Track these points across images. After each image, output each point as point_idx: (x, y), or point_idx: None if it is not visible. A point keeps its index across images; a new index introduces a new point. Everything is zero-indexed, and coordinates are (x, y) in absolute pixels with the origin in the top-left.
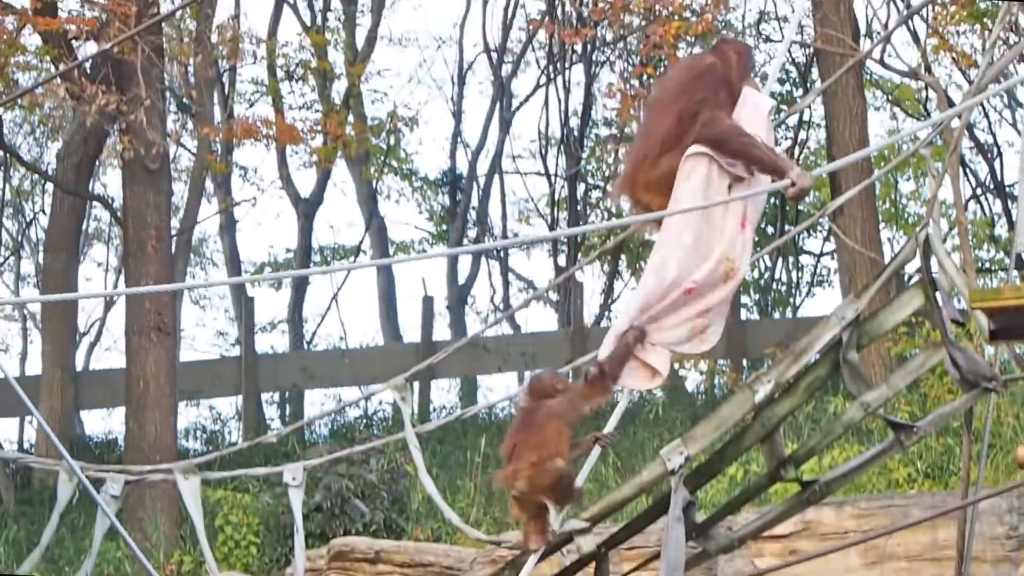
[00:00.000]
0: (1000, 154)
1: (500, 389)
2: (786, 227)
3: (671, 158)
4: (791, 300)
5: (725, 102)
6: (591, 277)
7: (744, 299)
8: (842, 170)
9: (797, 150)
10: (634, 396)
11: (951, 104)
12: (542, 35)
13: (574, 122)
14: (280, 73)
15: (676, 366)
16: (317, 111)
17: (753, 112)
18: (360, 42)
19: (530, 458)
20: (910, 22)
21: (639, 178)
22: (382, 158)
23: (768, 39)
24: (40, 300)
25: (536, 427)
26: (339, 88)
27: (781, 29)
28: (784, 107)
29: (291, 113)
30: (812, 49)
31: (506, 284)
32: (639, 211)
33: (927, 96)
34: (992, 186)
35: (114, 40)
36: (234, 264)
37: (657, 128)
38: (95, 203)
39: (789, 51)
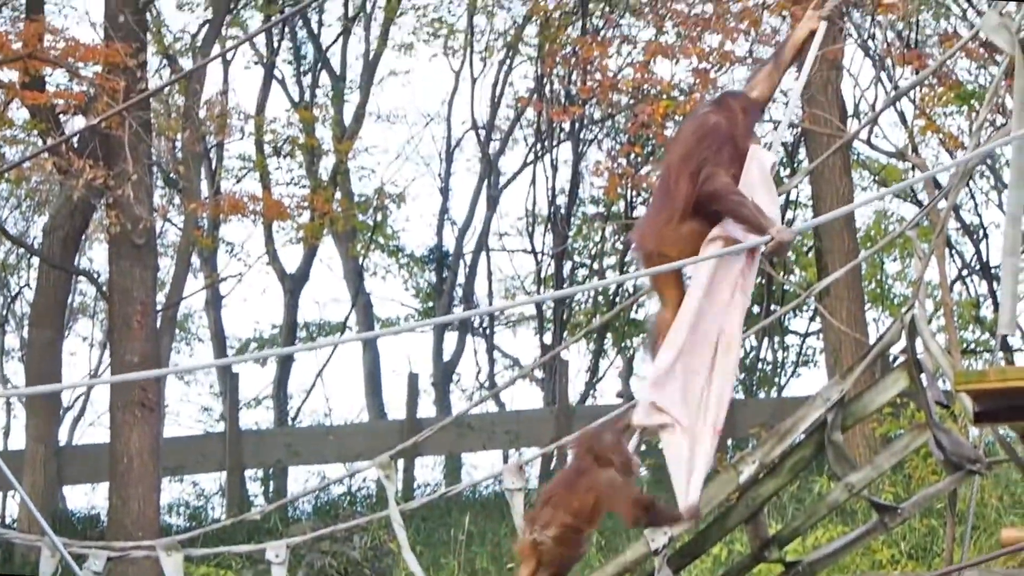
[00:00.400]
0: (986, 235)
1: (484, 467)
2: (772, 307)
3: (693, 223)
4: (776, 380)
5: (728, 159)
6: (577, 355)
7: None
8: (828, 251)
9: None
10: None
11: (938, 186)
12: (530, 113)
13: (561, 200)
14: (268, 149)
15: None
16: (304, 187)
17: (759, 171)
18: (348, 118)
19: (564, 518)
20: (897, 103)
21: (666, 235)
22: (369, 234)
23: None
24: (24, 392)
25: (579, 493)
26: (327, 164)
27: (769, 107)
28: None
29: (278, 189)
30: (799, 129)
31: (491, 362)
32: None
33: (913, 176)
34: (978, 267)
35: (102, 115)
36: (219, 340)
37: (677, 191)
38: (80, 277)
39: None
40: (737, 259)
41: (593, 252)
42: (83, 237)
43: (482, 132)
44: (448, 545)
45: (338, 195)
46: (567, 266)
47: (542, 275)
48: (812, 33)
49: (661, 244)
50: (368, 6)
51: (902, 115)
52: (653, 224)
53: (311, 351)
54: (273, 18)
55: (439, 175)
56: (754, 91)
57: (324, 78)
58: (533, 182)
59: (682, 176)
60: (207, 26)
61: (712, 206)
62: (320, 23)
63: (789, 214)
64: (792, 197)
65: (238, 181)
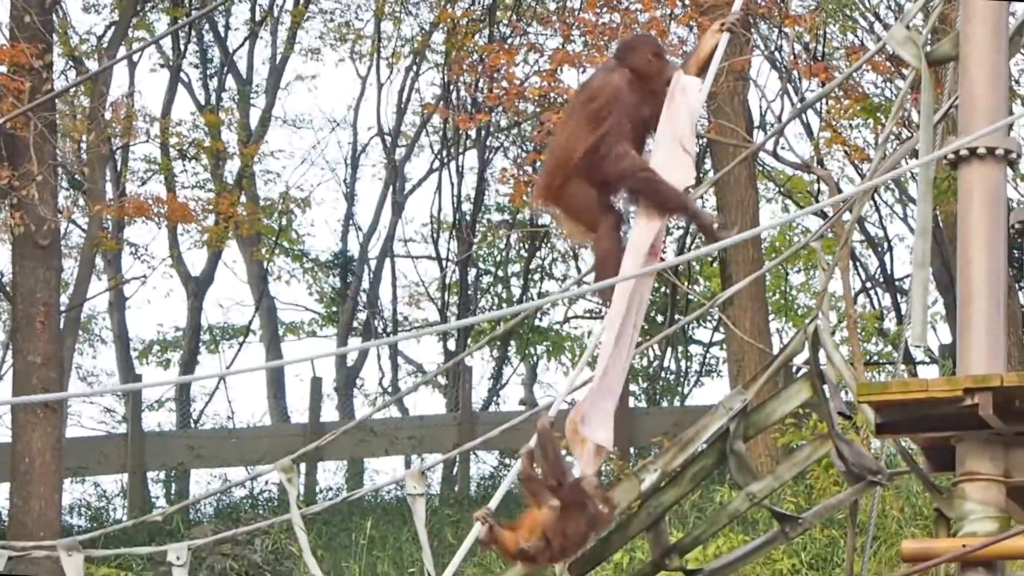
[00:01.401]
0: (890, 248)
1: (387, 472)
2: (676, 316)
3: (579, 186)
4: (679, 389)
5: (632, 127)
6: (480, 362)
7: (632, 387)
8: (733, 261)
9: (688, 239)
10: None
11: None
12: (436, 119)
13: (466, 207)
14: (173, 152)
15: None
16: (209, 190)
17: (682, 98)
18: (254, 122)
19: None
20: (803, 115)
21: (553, 187)
22: (273, 239)
23: None
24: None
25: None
26: (232, 168)
27: None
28: None
29: (183, 192)
30: (705, 139)
31: (395, 367)
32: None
33: (819, 189)
34: (882, 280)
35: (7, 115)
36: (123, 342)
37: (570, 147)
38: None
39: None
40: (649, 240)
41: (498, 259)
42: None
43: (388, 138)
44: (350, 550)
45: (243, 199)
46: (472, 273)
47: (447, 282)
48: (715, 46)
49: (553, 201)
50: (275, 10)
51: (808, 127)
52: (545, 182)
53: (215, 355)
54: (179, 21)
55: (344, 180)
56: None
57: (230, 82)
58: (438, 189)
59: (579, 140)
60: (113, 28)
61: (620, 185)
62: (227, 26)
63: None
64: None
65: (143, 183)
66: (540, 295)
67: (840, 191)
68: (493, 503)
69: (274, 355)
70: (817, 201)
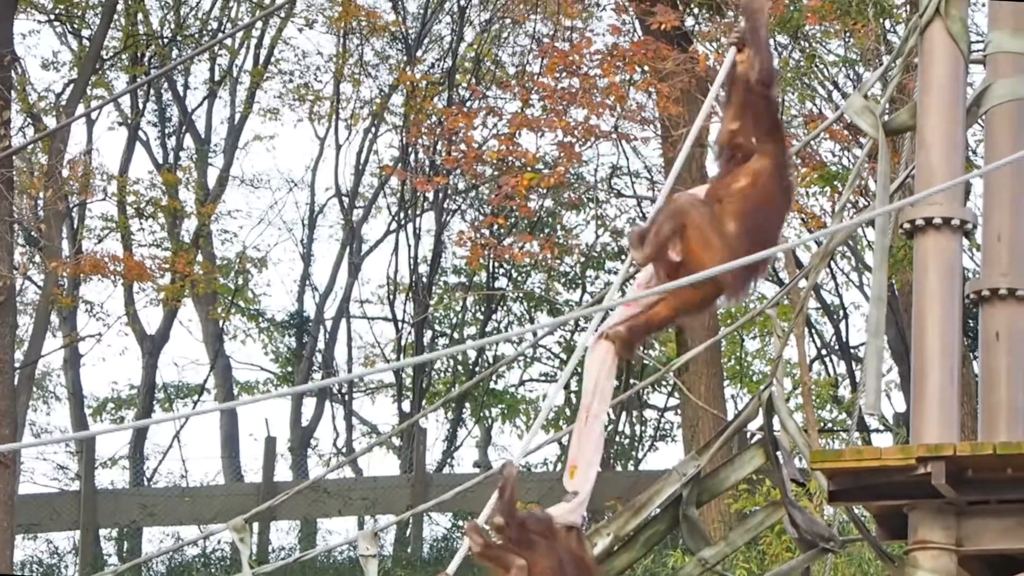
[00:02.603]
0: (846, 316)
1: (340, 532)
2: (631, 381)
3: None
4: (634, 453)
5: None
6: (435, 424)
7: None
8: (688, 327)
9: None
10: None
11: (799, 265)
12: (394, 181)
13: (423, 269)
14: (130, 210)
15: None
16: (166, 249)
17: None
18: (212, 182)
19: None
20: None
21: None
22: (230, 298)
23: (620, 194)
24: None
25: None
26: (189, 227)
27: (633, 184)
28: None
29: (140, 250)
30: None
31: (349, 428)
32: None
33: (775, 256)
34: (837, 347)
35: None
36: (77, 399)
37: None
38: None
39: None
40: None
41: (454, 322)
42: None
43: (346, 199)
44: None
45: (200, 258)
46: (427, 335)
47: (402, 343)
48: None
49: None
50: (234, 70)
51: None
52: None
53: (168, 412)
54: (138, 79)
55: (301, 241)
56: None
57: (188, 141)
58: (395, 250)
59: None
60: (72, 85)
61: None
62: (186, 86)
63: None
64: None
65: (100, 241)
66: (496, 359)
67: (796, 259)
68: (454, 562)
69: (229, 414)
70: (774, 269)
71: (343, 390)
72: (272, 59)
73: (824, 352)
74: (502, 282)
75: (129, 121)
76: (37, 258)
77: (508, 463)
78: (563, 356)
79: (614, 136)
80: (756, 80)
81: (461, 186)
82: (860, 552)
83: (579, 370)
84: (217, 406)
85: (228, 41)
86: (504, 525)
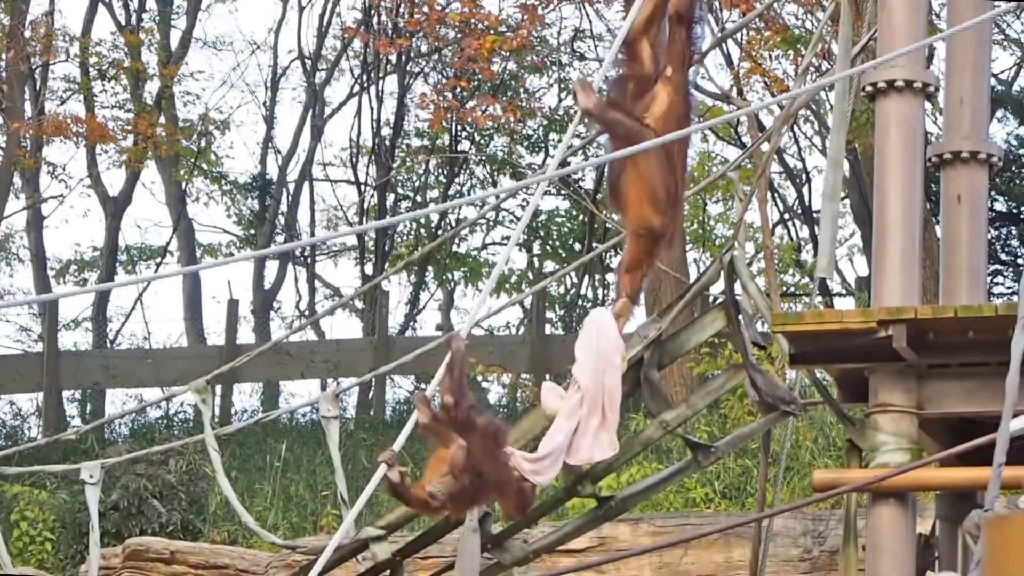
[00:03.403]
0: (809, 180)
1: (303, 395)
2: (593, 244)
3: None
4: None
5: None
6: (397, 287)
7: (549, 314)
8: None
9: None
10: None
11: (762, 128)
12: (357, 44)
13: (386, 132)
14: (93, 72)
15: (480, 379)
16: (129, 111)
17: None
18: (174, 44)
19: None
20: (724, 45)
21: None
22: (192, 160)
23: (583, 57)
24: None
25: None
26: (151, 89)
27: (596, 47)
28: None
29: (102, 112)
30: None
31: (312, 291)
32: None
33: (738, 120)
34: (800, 211)
35: None
36: (40, 261)
37: None
38: None
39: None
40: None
41: (417, 185)
42: None
43: (308, 61)
44: (264, 472)
45: (162, 120)
46: (390, 198)
47: (365, 206)
48: None
49: None
50: None
51: (728, 58)
52: None
53: (130, 275)
54: None
55: (264, 103)
56: None
57: (151, 2)
58: (358, 113)
59: None
60: None
61: None
62: None
63: None
64: None
65: (62, 103)
66: (458, 221)
67: (759, 122)
68: (404, 432)
69: (191, 277)
70: (737, 132)
71: (306, 253)
72: None
73: (787, 216)
74: (465, 145)
75: None
76: (0, 120)
77: (454, 335)
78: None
79: None
80: (675, 10)
81: (424, 48)
82: (821, 415)
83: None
84: (180, 269)
85: None
86: (453, 405)
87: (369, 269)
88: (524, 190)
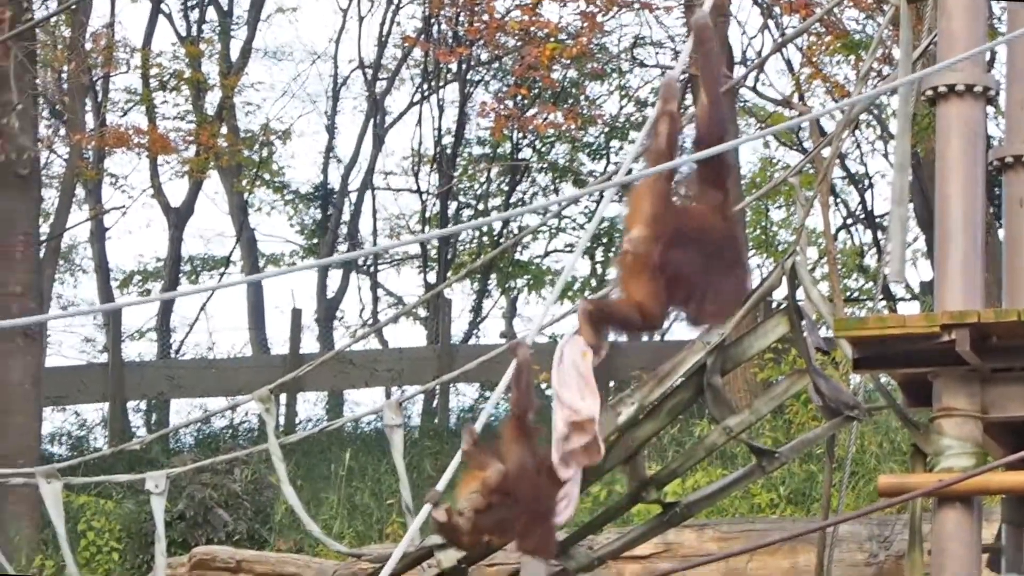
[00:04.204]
0: (871, 184)
1: (367, 404)
2: None
3: None
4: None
5: None
6: (460, 295)
7: None
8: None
9: None
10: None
11: (823, 134)
12: (417, 53)
13: (447, 140)
14: (154, 83)
15: (544, 387)
16: (190, 122)
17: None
18: (235, 54)
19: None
20: (784, 51)
21: None
22: (254, 170)
23: (643, 64)
24: None
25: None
26: (212, 99)
27: (656, 54)
28: None
29: (164, 123)
30: (687, 75)
31: (375, 299)
32: None
33: (799, 125)
34: (863, 216)
35: None
36: (103, 272)
37: None
38: None
39: (679, 78)
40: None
41: (478, 193)
42: None
43: (369, 71)
44: (328, 480)
45: (224, 130)
46: (452, 206)
47: (427, 215)
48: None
49: None
50: None
51: (789, 63)
52: None
53: (193, 285)
54: None
55: (325, 113)
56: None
57: (211, 13)
58: (419, 122)
59: None
60: None
61: None
62: None
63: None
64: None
65: (124, 114)
66: (520, 229)
67: (820, 127)
68: (454, 462)
69: (255, 286)
70: (798, 138)
71: (368, 262)
72: None
73: (850, 221)
74: (526, 153)
75: None
76: (62, 131)
77: (519, 343)
78: (588, 227)
79: (636, 5)
80: (704, 134)
81: (484, 57)
82: (886, 420)
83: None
84: (244, 279)
85: None
86: (518, 416)
87: (432, 277)
88: (587, 197)
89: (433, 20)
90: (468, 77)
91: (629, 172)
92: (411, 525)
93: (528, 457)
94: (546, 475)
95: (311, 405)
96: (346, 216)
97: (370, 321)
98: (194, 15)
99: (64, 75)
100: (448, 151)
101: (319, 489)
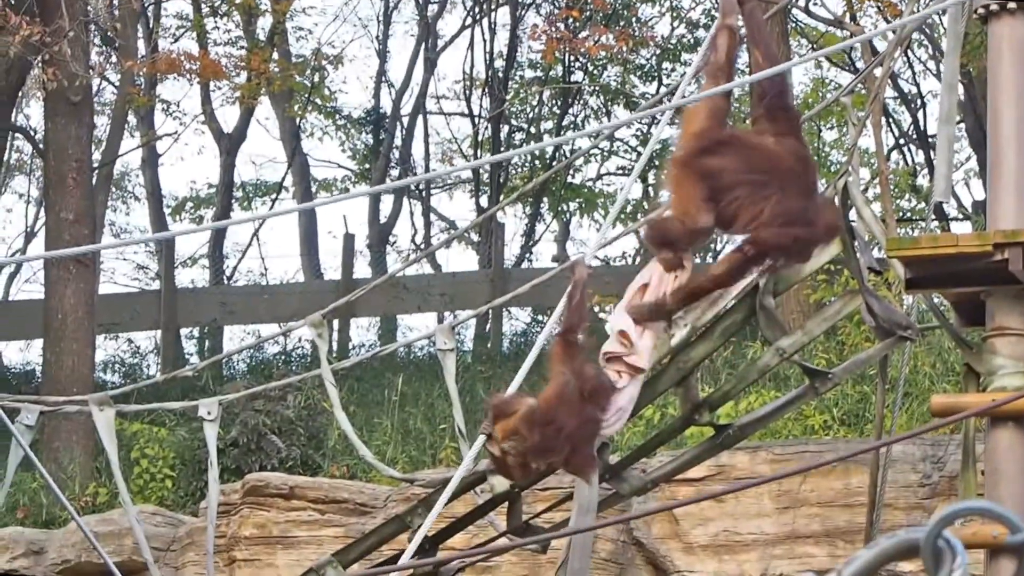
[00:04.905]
0: (924, 104)
1: (420, 329)
2: None
3: None
4: (711, 245)
5: None
6: (513, 219)
7: None
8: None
9: None
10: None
11: (875, 53)
12: None
13: (499, 64)
14: (205, 8)
15: (597, 309)
16: (242, 47)
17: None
18: None
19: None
20: None
21: None
22: (306, 96)
23: None
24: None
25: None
26: (264, 25)
27: None
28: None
29: (215, 49)
30: None
31: (427, 224)
32: None
33: (852, 46)
34: (915, 136)
35: None
36: (156, 198)
37: None
38: (17, 135)
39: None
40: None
41: (530, 116)
42: (19, 94)
43: None
44: (382, 406)
45: (275, 56)
46: (504, 130)
47: (479, 139)
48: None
49: None
50: None
51: None
52: None
53: (246, 211)
54: None
55: (377, 37)
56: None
57: None
58: (471, 46)
59: None
60: None
61: None
62: None
63: None
64: None
65: (175, 40)
66: (572, 152)
67: (872, 47)
68: (527, 362)
69: (307, 212)
70: (850, 58)
71: (421, 187)
72: None
73: (902, 141)
74: (578, 76)
75: None
76: (113, 58)
77: (578, 260)
78: (640, 149)
79: None
80: (767, 104)
81: None
82: (938, 340)
83: (653, 162)
84: (296, 207)
85: None
86: (570, 329)
87: (484, 202)
88: (638, 121)
89: None
90: (519, 0)
91: (685, 95)
92: (466, 452)
93: (571, 378)
94: (590, 394)
95: (364, 331)
96: (398, 141)
97: (423, 246)
98: None
99: (115, 1)
100: (500, 75)
101: (372, 415)
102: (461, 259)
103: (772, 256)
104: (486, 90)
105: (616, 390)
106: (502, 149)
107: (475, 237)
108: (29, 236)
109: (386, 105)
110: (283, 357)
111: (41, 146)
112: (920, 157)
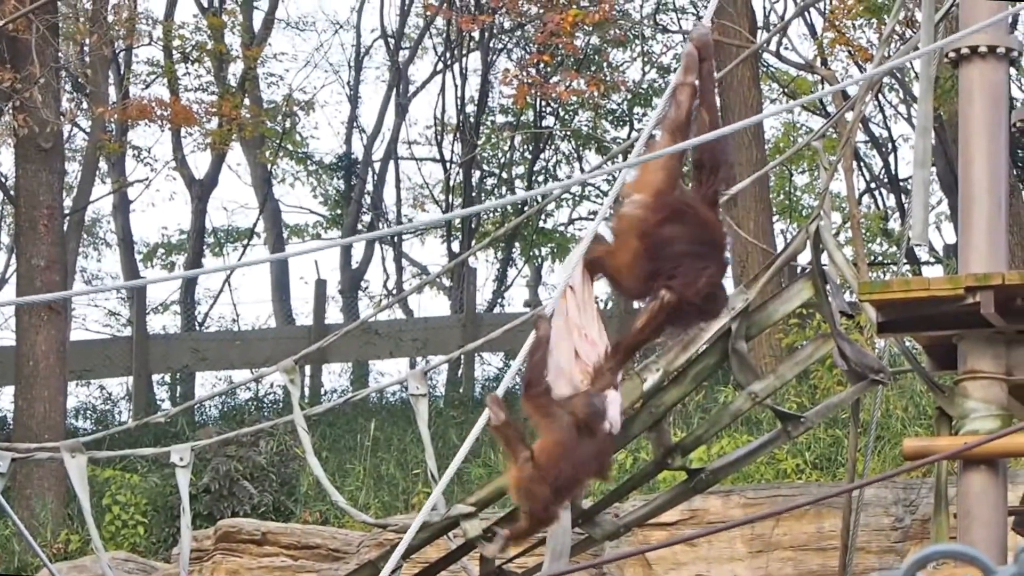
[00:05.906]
0: (895, 148)
1: (392, 373)
2: None
3: None
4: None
5: None
6: (484, 263)
7: None
8: (737, 162)
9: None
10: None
11: (846, 97)
12: (439, 21)
13: (470, 109)
14: (176, 55)
15: None
16: (213, 93)
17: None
18: (257, 25)
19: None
20: (807, 15)
21: None
22: (277, 141)
23: (665, 30)
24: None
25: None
26: (235, 71)
27: (679, 19)
28: None
29: (187, 95)
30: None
31: (399, 269)
32: None
33: (823, 89)
34: (886, 180)
35: (9, 17)
36: (127, 245)
37: None
38: None
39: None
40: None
41: (502, 161)
42: None
43: (391, 40)
44: (354, 451)
45: (247, 102)
46: (476, 175)
47: (451, 184)
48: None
49: None
50: None
51: (812, 27)
52: None
53: (219, 258)
54: None
55: (348, 83)
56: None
57: None
58: (442, 91)
59: None
60: None
61: None
62: None
63: None
64: None
65: (147, 86)
66: (544, 198)
67: (844, 91)
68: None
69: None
70: (821, 103)
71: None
72: None
73: (873, 185)
74: (549, 120)
75: None
76: (84, 104)
77: (541, 318)
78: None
79: None
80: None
81: (507, 25)
82: (910, 383)
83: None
84: (268, 256)
85: None
86: (528, 387)
87: (456, 247)
88: (610, 162)
89: None
90: (491, 45)
91: (651, 138)
92: (434, 493)
93: (559, 427)
94: (586, 423)
95: (336, 376)
96: (369, 186)
97: (394, 291)
98: None
99: (86, 48)
100: (471, 119)
101: (344, 460)
102: (433, 304)
103: (684, 316)
104: (457, 135)
105: (606, 407)
106: (474, 194)
107: (447, 282)
108: (0, 283)
109: (357, 150)
110: (255, 403)
111: (12, 192)
112: (891, 201)
